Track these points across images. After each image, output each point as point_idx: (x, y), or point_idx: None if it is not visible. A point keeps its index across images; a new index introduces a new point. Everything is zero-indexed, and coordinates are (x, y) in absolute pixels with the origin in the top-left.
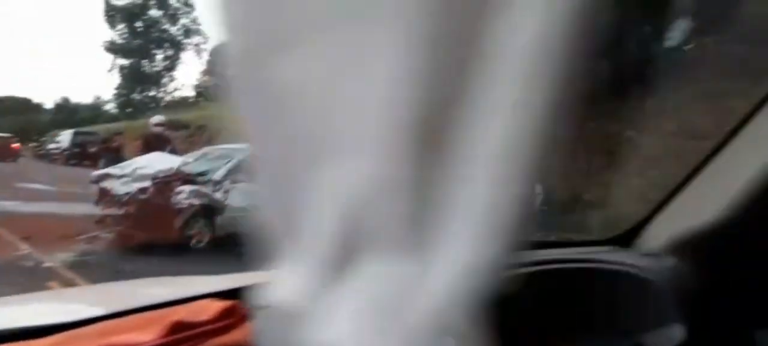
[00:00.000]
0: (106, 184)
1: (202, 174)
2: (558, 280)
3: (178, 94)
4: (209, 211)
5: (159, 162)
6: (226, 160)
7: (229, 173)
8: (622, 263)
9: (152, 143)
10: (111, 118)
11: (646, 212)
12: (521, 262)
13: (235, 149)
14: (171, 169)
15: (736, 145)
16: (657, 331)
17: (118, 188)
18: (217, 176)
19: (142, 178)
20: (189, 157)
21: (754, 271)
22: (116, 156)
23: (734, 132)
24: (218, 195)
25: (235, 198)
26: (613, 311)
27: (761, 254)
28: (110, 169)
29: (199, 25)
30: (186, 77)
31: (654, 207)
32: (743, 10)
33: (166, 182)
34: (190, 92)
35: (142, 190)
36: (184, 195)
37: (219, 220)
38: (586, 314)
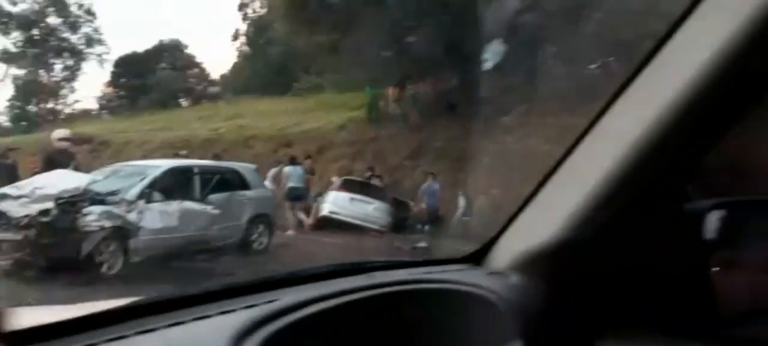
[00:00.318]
0: (2, 206)
1: (113, 193)
2: (401, 301)
3: (79, 106)
4: (122, 234)
5: (63, 181)
6: (140, 178)
7: (144, 193)
8: (466, 283)
9: (55, 160)
10: (2, 132)
11: (496, 230)
12: (368, 284)
13: (148, 166)
14: (78, 188)
15: (574, 161)
16: None
17: (16, 210)
18: (130, 195)
19: (44, 198)
20: (98, 175)
21: (592, 283)
22: (11, 174)
23: (572, 148)
24: (132, 216)
25: (150, 220)
26: (454, 332)
27: (599, 265)
28: (5, 190)
29: (101, 34)
30: (87, 89)
31: (503, 225)
32: (576, 32)
33: (71, 203)
34: (93, 104)
35: (44, 212)
36: (93, 217)
37: (132, 243)
38: (427, 335)
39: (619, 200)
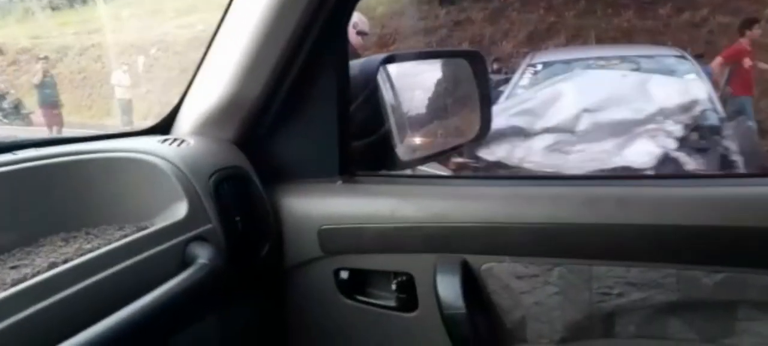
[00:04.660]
0: None
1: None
2: (48, 176)
3: None
4: None
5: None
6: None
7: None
8: (133, 150)
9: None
10: None
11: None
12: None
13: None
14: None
15: (230, 20)
16: (164, 212)
17: None
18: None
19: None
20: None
21: (266, 137)
22: None
23: (228, 9)
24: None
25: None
26: (115, 199)
27: (272, 119)
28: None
29: None
30: None
31: (183, 91)
32: None
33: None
34: None
35: None
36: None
37: None
38: (79, 207)
39: (278, 54)
